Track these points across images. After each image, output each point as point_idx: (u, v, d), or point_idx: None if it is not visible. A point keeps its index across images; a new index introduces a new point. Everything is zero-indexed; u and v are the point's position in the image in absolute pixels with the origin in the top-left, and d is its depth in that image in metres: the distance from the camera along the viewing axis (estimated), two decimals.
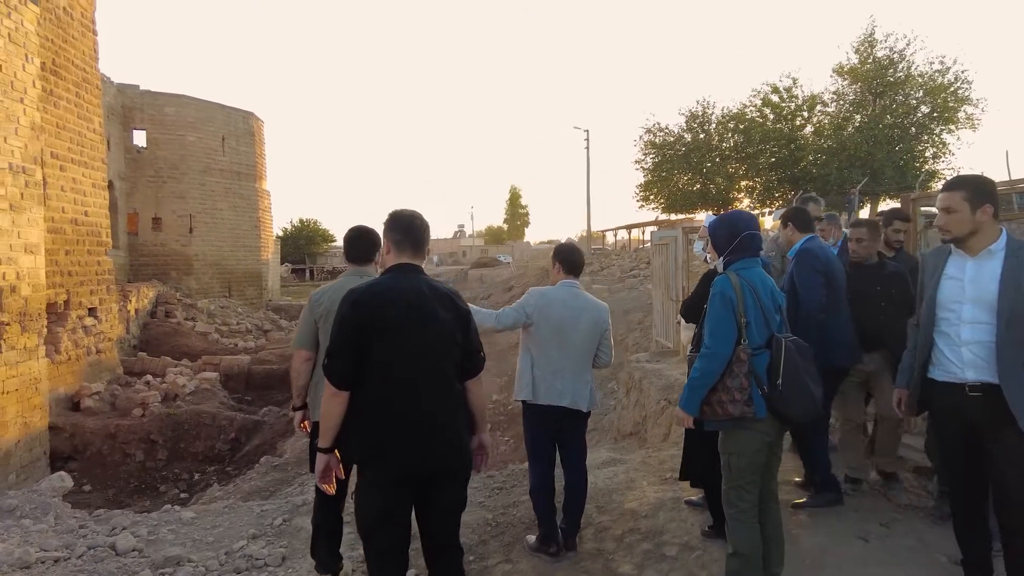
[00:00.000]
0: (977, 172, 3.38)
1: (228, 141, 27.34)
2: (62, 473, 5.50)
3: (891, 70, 22.73)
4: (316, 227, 54.70)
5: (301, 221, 54.52)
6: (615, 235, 35.41)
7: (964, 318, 2.39)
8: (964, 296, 2.40)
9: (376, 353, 2.22)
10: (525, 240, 78.14)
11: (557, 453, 3.54)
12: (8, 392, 8.65)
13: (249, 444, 11.06)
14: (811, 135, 24.95)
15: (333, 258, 62.97)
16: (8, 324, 8.61)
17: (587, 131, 29.98)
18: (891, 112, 22.95)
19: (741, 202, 26.45)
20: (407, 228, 2.41)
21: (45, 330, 9.79)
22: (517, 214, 76.27)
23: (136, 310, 18.49)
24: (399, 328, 2.25)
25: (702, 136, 26.04)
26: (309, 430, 3.29)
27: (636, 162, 27.43)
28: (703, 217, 28.85)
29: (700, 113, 26.24)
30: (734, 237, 2.73)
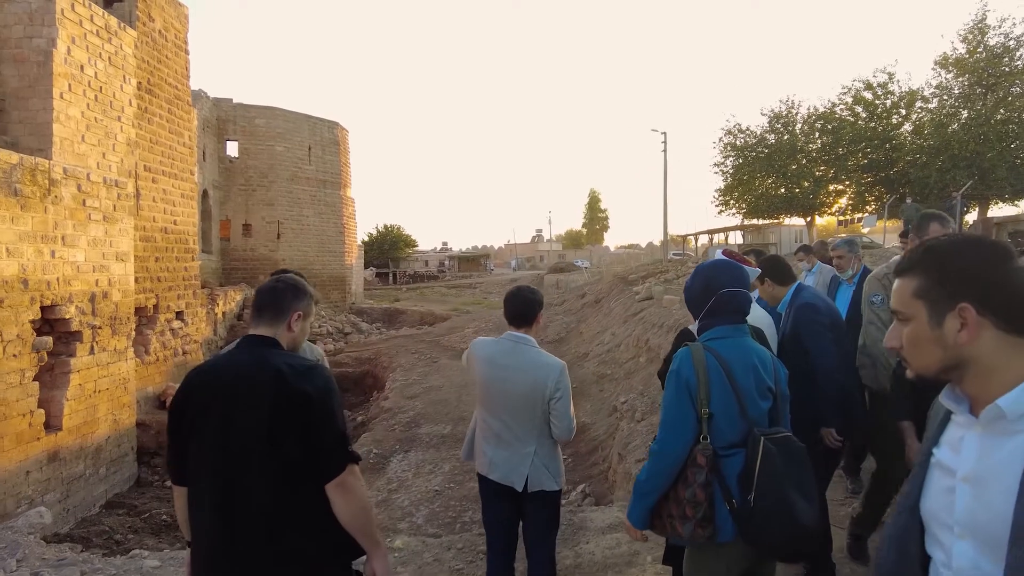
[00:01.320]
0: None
1: (314, 150, 28.50)
2: (41, 509, 5.44)
3: (1006, 59, 20.69)
4: (399, 232, 56.19)
5: (385, 226, 56.16)
6: (695, 240, 34.20)
7: (956, 562, 1.08)
8: (955, 518, 1.08)
9: (189, 446, 1.90)
10: (604, 244, 77.28)
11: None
12: (99, 391, 9.25)
13: None
14: (909, 134, 23.11)
15: (415, 262, 64.59)
16: (100, 327, 9.21)
17: (664, 133, 29.17)
18: (1005, 105, 20.89)
19: (830, 207, 24.89)
20: (262, 294, 2.09)
21: (134, 333, 10.43)
22: (596, 218, 75.50)
23: (224, 312, 19.54)
24: (203, 416, 1.87)
25: (786, 137, 24.71)
26: None
27: (715, 165, 26.41)
28: (794, 222, 27.57)
29: (784, 113, 24.94)
30: (708, 295, 2.18)
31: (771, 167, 24.35)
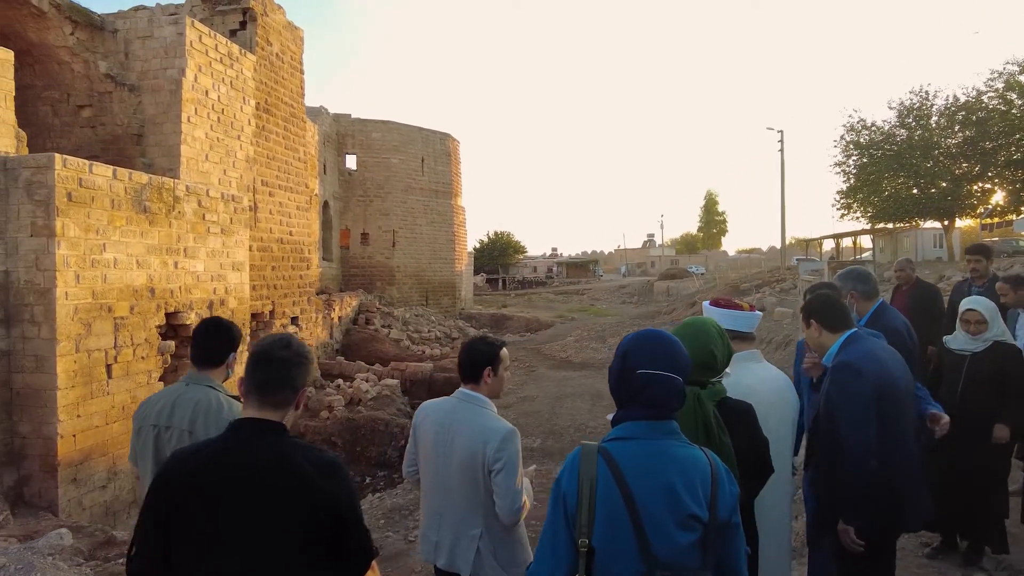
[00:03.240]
0: None
1: (427, 162, 29.47)
2: (62, 531, 5.58)
3: None
4: (509, 239, 56.96)
5: (496, 233, 57.14)
6: (820, 245, 31.75)
7: None
8: None
9: (175, 555, 1.58)
10: (722, 249, 73.98)
11: None
12: None
13: None
14: None
15: (524, 268, 65.16)
16: None
17: (781, 131, 27.26)
18: None
19: (974, 209, 21.99)
20: (255, 364, 1.68)
21: (249, 337, 11.14)
22: (713, 221, 72.35)
23: (340, 317, 20.59)
24: (198, 524, 1.55)
25: (920, 132, 22.02)
26: None
27: (836, 165, 24.07)
28: (930, 226, 24.66)
29: (917, 105, 22.18)
30: (625, 377, 1.62)
31: (901, 166, 21.84)
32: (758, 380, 2.38)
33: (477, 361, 2.54)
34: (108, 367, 7.42)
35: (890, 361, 2.49)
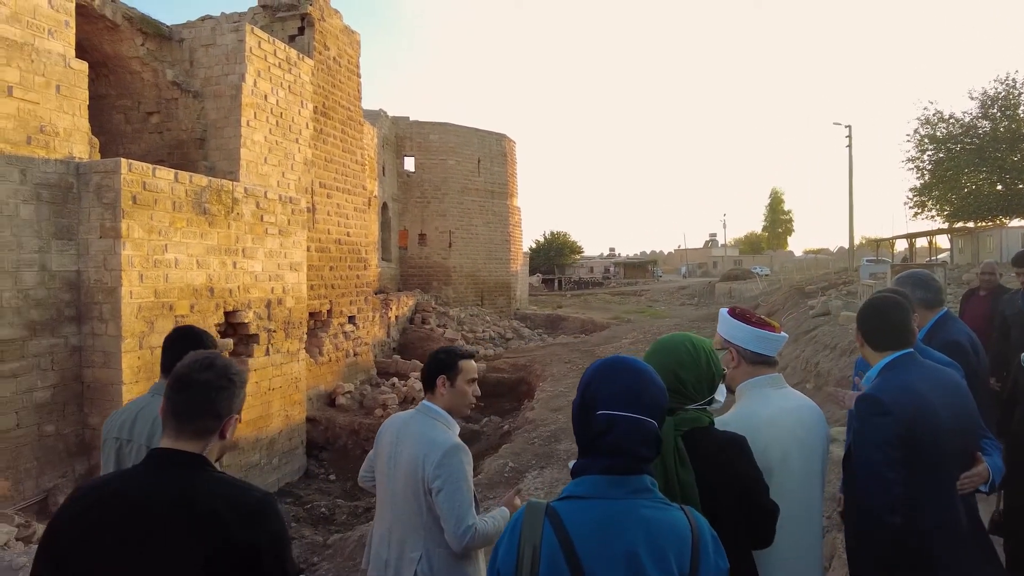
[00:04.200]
0: None
1: (483, 162, 29.62)
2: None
3: None
4: (565, 239, 56.64)
5: (552, 233, 56.93)
6: (893, 245, 30.12)
7: None
8: None
9: None
10: (788, 249, 71.43)
11: None
12: (274, 389, 10.21)
13: None
14: None
15: (580, 268, 64.66)
16: (275, 331, 10.17)
17: (849, 127, 25.92)
18: None
19: None
20: (171, 388, 1.51)
21: (305, 336, 11.40)
22: (779, 220, 69.94)
23: (396, 316, 20.91)
24: (92, 565, 1.37)
25: (1006, 124, 20.43)
26: None
27: (909, 160, 22.63)
28: (1016, 224, 22.78)
29: (1003, 94, 20.55)
30: (583, 420, 1.36)
31: (984, 160, 20.30)
32: (778, 411, 1.99)
33: (433, 369, 2.41)
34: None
35: (932, 393, 2.03)
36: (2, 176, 6.48)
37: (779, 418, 1.96)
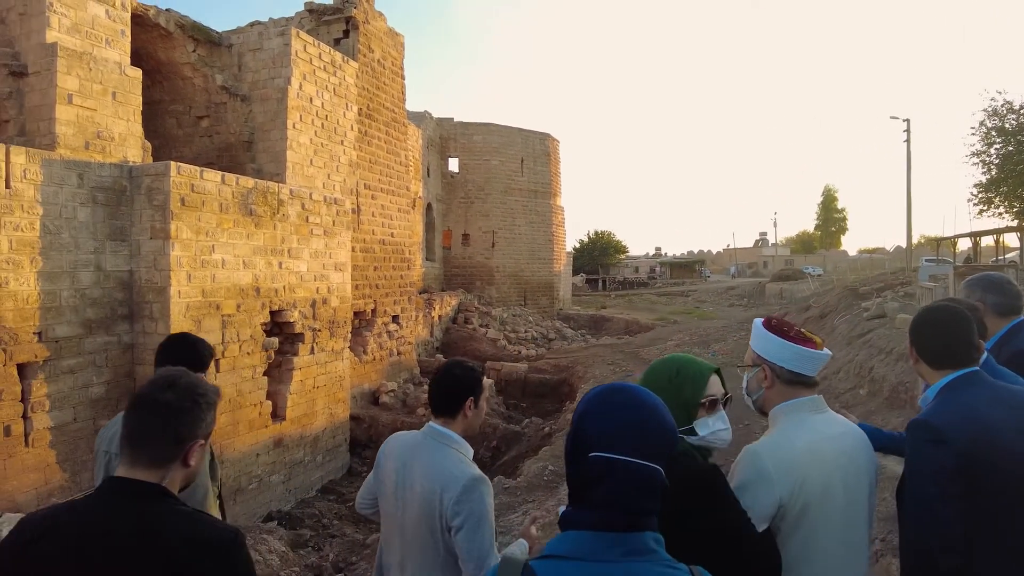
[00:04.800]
0: None
1: (526, 162, 29.58)
2: (9, 515, 5.62)
3: None
4: (610, 238, 56.07)
5: (596, 233, 56.43)
6: (954, 244, 28.70)
7: None
8: None
9: None
10: (841, 249, 69.08)
11: None
12: (318, 387, 10.37)
13: (508, 454, 11.51)
14: None
15: (625, 268, 63.94)
16: (319, 330, 10.33)
17: (907, 121, 24.75)
18: None
19: None
20: (128, 409, 1.40)
21: (349, 335, 11.55)
22: (832, 218, 67.62)
23: (439, 316, 21.06)
24: None
25: None
26: None
27: (973, 155, 21.37)
28: None
29: None
30: (574, 460, 1.18)
31: None
32: (818, 438, 1.73)
33: (455, 390, 2.10)
34: (216, 362, 7.89)
35: (1002, 418, 1.77)
36: (62, 180, 6.75)
37: (820, 447, 1.71)
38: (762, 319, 1.90)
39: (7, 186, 6.23)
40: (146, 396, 1.37)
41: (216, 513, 2.49)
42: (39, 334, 6.50)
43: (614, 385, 1.22)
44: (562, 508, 1.19)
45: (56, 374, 6.65)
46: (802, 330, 1.85)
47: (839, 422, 1.83)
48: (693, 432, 1.69)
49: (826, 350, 1.82)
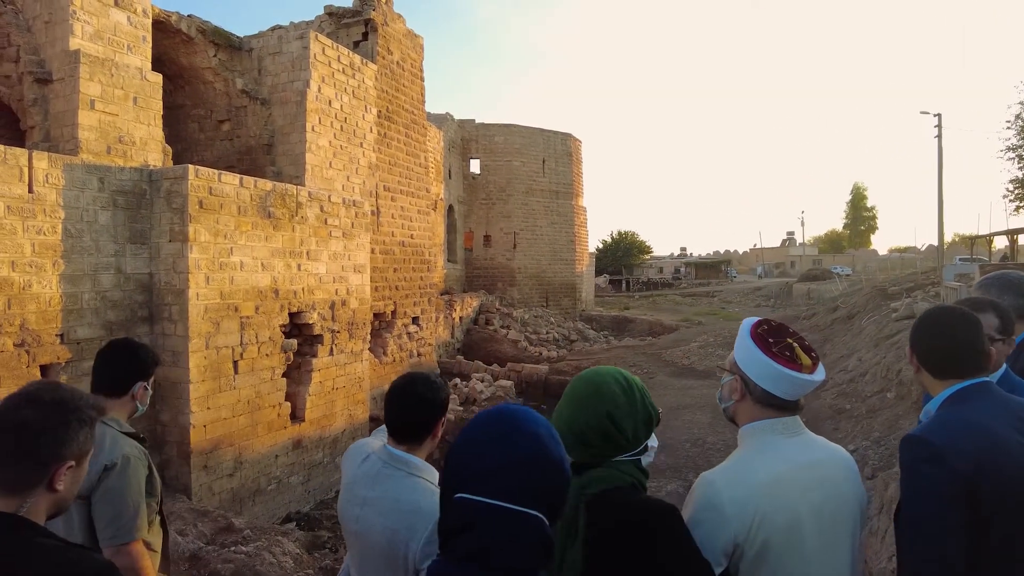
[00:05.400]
0: None
1: (548, 163, 29.49)
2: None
3: None
4: (633, 239, 55.65)
5: (619, 233, 56.04)
6: (990, 242, 27.84)
7: None
8: None
9: None
10: (871, 248, 67.68)
11: None
12: (337, 388, 10.40)
13: None
14: None
15: (649, 269, 63.40)
16: (338, 332, 10.36)
17: (939, 115, 24.03)
18: None
19: None
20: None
21: (369, 337, 11.58)
22: (861, 217, 66.34)
23: (460, 317, 21.06)
24: None
25: None
26: None
27: (1009, 150, 20.71)
28: None
29: None
30: (443, 499, 1.04)
31: None
32: (786, 468, 1.49)
33: (423, 414, 1.81)
34: (235, 363, 7.95)
35: (1009, 437, 1.55)
36: (83, 184, 6.85)
37: (786, 477, 1.47)
38: (752, 322, 1.65)
39: (30, 191, 6.34)
40: (2, 413, 1.21)
41: (157, 537, 2.32)
42: (61, 336, 6.60)
43: (497, 410, 1.05)
44: (427, 563, 1.01)
45: (78, 375, 6.74)
46: (793, 343, 1.56)
47: (817, 447, 1.58)
48: (645, 450, 1.46)
49: (816, 374, 1.55)
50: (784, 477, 1.47)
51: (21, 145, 7.61)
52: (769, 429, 1.55)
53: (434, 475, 1.81)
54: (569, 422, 1.41)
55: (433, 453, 1.89)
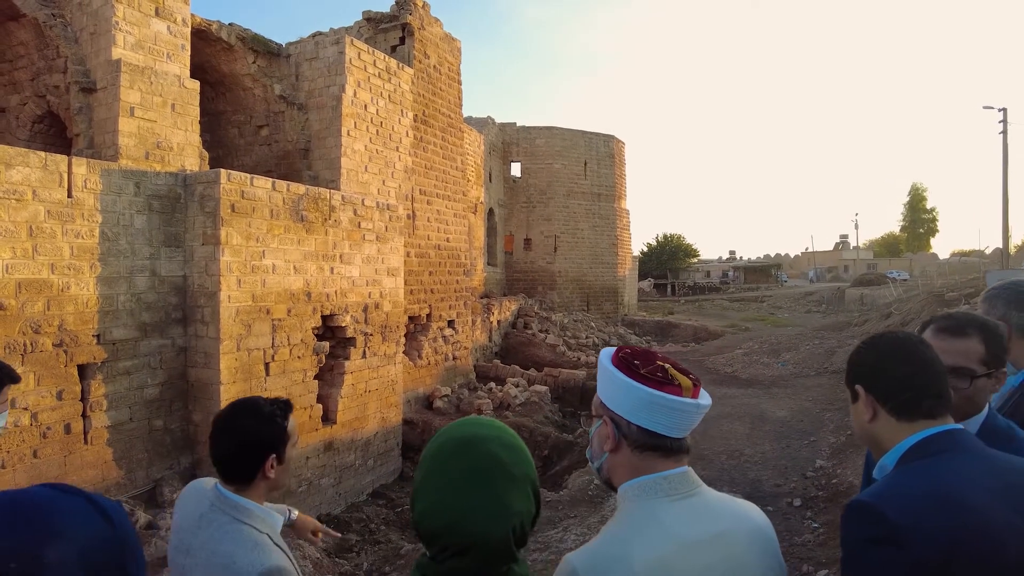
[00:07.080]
0: None
1: (590, 165, 29.22)
2: None
3: None
4: (680, 242, 54.59)
5: (665, 236, 55.09)
6: None
7: None
8: None
9: None
10: (931, 251, 64.74)
11: None
12: (370, 391, 10.44)
13: (559, 464, 11.23)
14: None
15: (696, 272, 62.13)
16: (371, 335, 10.40)
17: (1004, 110, 22.71)
18: None
19: None
20: None
21: (403, 340, 11.59)
22: (920, 219, 63.53)
23: (499, 321, 20.98)
24: None
25: None
26: None
27: None
28: None
29: None
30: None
31: None
32: (675, 547, 1.14)
33: (247, 450, 1.57)
34: (266, 365, 8.03)
35: (991, 510, 1.13)
36: (120, 189, 7.03)
37: (672, 563, 1.11)
38: (612, 351, 1.29)
39: (69, 195, 6.53)
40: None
41: None
42: (97, 336, 6.78)
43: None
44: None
45: (113, 375, 6.91)
46: (666, 365, 1.24)
47: (716, 513, 1.21)
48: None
49: (701, 399, 1.23)
50: (669, 563, 1.11)
51: (69, 153, 7.89)
52: (651, 491, 1.19)
53: (270, 520, 1.60)
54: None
55: (275, 491, 1.66)
